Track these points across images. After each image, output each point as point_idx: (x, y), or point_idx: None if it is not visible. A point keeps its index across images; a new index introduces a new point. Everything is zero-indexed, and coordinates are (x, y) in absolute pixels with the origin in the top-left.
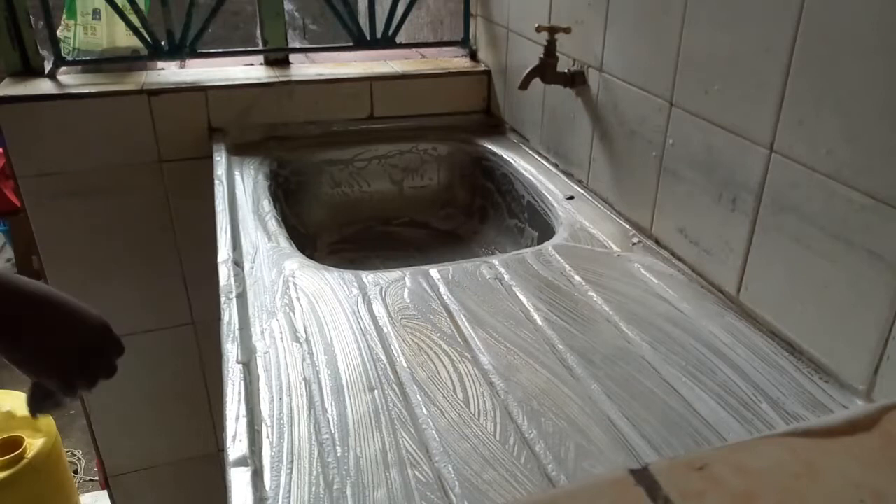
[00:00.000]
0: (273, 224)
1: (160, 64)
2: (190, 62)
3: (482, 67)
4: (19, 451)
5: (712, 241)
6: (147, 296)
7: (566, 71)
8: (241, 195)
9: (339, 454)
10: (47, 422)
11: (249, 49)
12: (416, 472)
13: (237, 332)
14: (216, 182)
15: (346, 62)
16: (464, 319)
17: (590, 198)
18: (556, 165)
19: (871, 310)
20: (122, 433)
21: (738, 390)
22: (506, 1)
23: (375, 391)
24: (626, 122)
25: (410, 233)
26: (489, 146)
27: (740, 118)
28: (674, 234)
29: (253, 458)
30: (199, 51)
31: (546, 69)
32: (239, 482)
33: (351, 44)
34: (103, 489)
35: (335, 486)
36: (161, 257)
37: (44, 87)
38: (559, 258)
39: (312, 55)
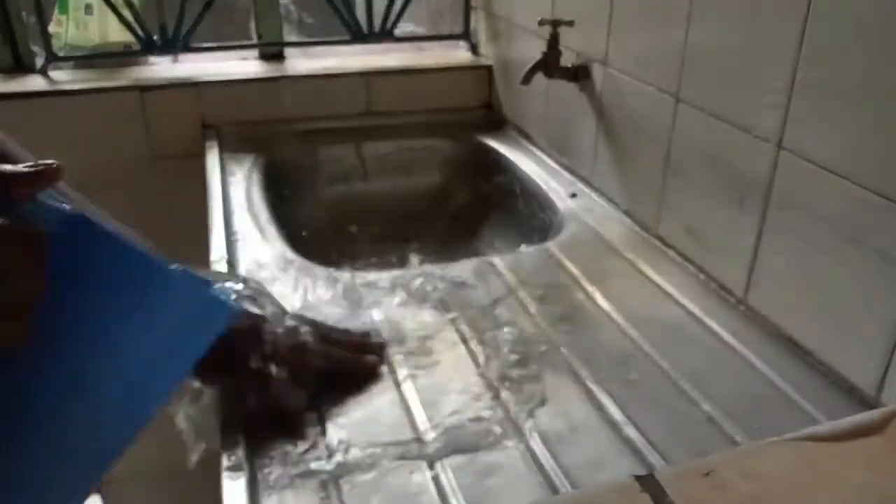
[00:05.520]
0: (267, 222)
1: (153, 59)
2: (183, 57)
3: (483, 62)
4: None
5: (719, 240)
6: None
7: (569, 65)
8: (235, 193)
9: (336, 458)
10: None
11: (244, 43)
12: (416, 477)
13: None
14: (209, 179)
15: (342, 56)
16: (464, 319)
17: (594, 195)
18: (559, 162)
19: (881, 312)
20: None
21: (746, 393)
22: None
23: (374, 392)
24: (630, 118)
25: (409, 231)
26: (490, 142)
27: (748, 114)
28: (680, 232)
29: (247, 464)
30: (193, 45)
31: (549, 64)
32: (233, 489)
33: (348, 37)
34: (96, 494)
35: (331, 492)
36: None
37: (35, 83)
38: (562, 257)
39: (308, 49)
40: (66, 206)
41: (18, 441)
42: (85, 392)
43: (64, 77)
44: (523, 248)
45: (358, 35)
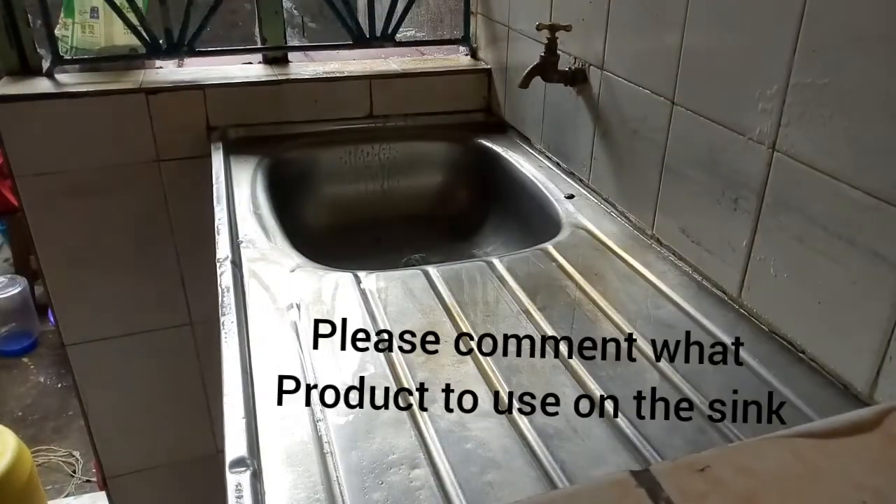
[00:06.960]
0: (271, 223)
1: (158, 63)
2: (188, 61)
3: (482, 66)
4: None
5: (714, 240)
6: (145, 296)
7: (567, 69)
8: (239, 194)
9: (337, 454)
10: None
11: (248, 47)
12: (416, 473)
13: (235, 333)
14: (214, 181)
15: (345, 60)
16: (464, 319)
17: (591, 197)
18: (556, 164)
19: (874, 310)
20: (121, 434)
21: (740, 391)
22: None
23: (375, 391)
24: (627, 120)
25: (410, 232)
26: (489, 145)
27: (742, 116)
28: (675, 233)
29: (251, 459)
30: (198, 49)
31: (547, 67)
32: (237, 483)
33: (350, 42)
34: (101, 490)
35: (334, 488)
36: (159, 257)
37: (41, 86)
38: (560, 257)
39: (311, 53)
40: None
41: None
42: None
43: (70, 80)
44: (522, 248)
45: (360, 39)
